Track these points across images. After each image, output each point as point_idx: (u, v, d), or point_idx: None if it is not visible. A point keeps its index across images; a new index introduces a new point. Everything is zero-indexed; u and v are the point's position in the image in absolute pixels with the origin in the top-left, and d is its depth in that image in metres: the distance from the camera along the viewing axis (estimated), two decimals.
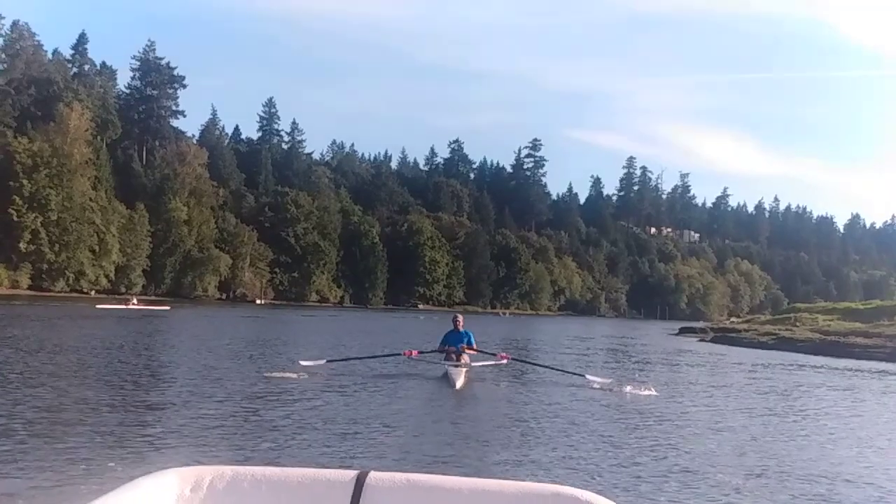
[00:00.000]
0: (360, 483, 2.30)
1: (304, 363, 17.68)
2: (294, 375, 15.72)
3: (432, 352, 18.39)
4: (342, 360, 19.41)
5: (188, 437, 9.29)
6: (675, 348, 39.80)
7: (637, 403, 14.98)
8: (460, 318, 18.56)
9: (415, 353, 18.31)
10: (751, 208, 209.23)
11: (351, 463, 8.14)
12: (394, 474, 2.37)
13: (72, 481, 6.86)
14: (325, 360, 18.68)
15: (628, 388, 16.47)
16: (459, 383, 15.66)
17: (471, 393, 15.49)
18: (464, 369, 16.43)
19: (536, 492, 2.30)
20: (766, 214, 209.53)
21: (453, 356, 17.22)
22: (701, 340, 51.11)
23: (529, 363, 22.07)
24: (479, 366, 17.84)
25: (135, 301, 59.02)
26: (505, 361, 18.92)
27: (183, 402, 12.16)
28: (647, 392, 16.14)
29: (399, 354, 18.55)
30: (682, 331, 65.30)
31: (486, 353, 19.38)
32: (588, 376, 18.12)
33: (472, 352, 17.92)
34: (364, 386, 15.33)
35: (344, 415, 11.74)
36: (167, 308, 58.23)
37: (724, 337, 49.66)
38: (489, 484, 2.35)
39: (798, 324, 53.73)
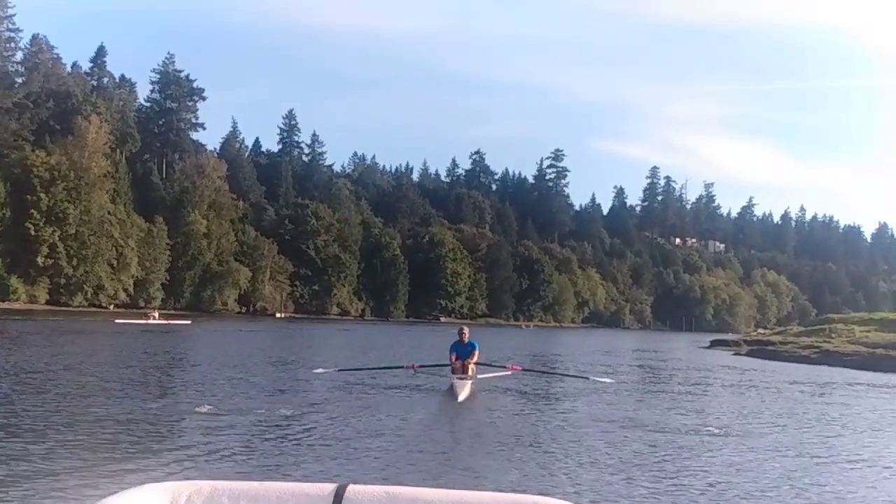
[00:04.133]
0: (338, 496, 2.32)
1: (317, 371, 19.38)
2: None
3: (435, 365, 18.73)
4: (352, 369, 20.67)
5: (179, 451, 9.31)
6: (712, 364, 37.49)
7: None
8: (466, 329, 18.18)
9: (416, 365, 18.93)
10: (777, 218, 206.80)
11: (336, 477, 7.82)
12: (373, 487, 2.37)
13: (49, 496, 6.89)
14: (335, 369, 20.13)
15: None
16: (462, 396, 15.60)
17: (473, 405, 15.30)
18: (469, 381, 16.36)
19: (514, 502, 2.34)
20: (793, 224, 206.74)
21: (459, 368, 17.00)
22: (736, 354, 48.88)
23: (538, 371, 23.47)
24: (486, 377, 17.95)
25: (155, 315, 58.06)
26: (511, 373, 19.25)
27: (177, 416, 12.07)
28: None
29: (402, 367, 19.23)
30: (714, 343, 63.22)
31: (493, 365, 19.85)
32: (591, 377, 20.08)
33: (477, 362, 17.77)
34: (367, 399, 15.34)
35: (339, 429, 11.62)
36: (188, 322, 57.32)
37: (761, 350, 46.99)
38: (467, 495, 2.37)
39: (834, 335, 51.68)
